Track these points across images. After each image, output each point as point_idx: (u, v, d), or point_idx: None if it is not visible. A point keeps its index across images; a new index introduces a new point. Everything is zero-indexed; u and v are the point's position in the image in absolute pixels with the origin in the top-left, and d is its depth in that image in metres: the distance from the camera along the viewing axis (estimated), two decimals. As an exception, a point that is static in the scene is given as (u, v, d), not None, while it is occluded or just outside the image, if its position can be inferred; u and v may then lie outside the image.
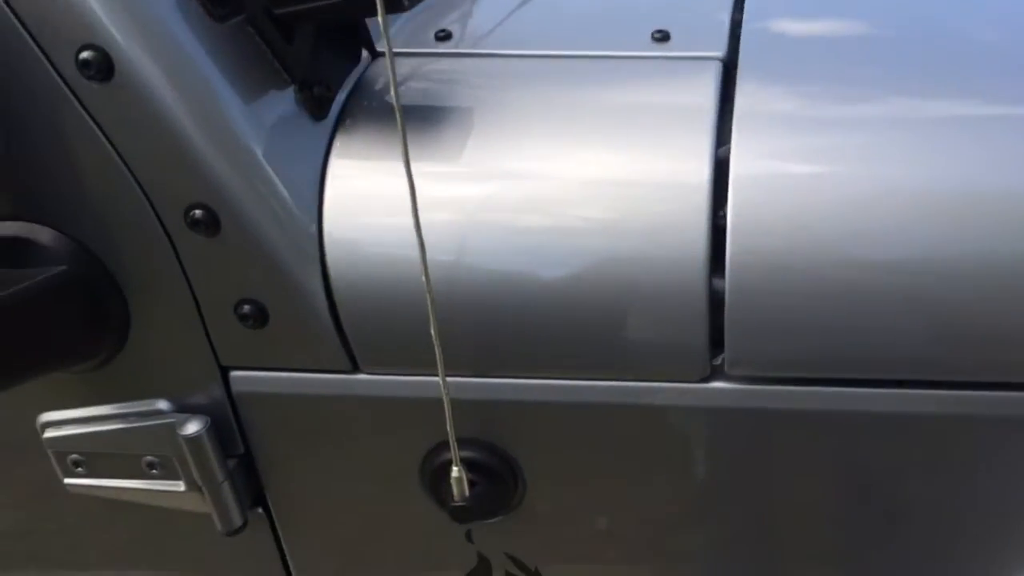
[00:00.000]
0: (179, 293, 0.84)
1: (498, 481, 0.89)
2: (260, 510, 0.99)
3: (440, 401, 0.84)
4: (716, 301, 0.77)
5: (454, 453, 0.84)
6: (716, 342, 0.79)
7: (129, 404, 0.93)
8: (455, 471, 0.85)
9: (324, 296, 0.83)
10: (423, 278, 0.74)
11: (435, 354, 0.78)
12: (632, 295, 0.78)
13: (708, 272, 0.77)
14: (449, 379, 0.82)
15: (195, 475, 0.91)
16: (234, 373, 0.90)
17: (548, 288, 0.79)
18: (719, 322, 0.78)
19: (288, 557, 1.02)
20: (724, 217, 0.77)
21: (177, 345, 0.89)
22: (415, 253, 0.73)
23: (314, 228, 0.81)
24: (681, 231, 0.76)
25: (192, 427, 0.89)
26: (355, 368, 0.87)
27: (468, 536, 0.95)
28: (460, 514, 0.86)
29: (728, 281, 0.76)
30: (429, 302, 0.75)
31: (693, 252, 0.76)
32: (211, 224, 0.79)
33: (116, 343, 0.88)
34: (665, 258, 0.77)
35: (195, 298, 0.85)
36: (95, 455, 0.96)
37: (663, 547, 0.94)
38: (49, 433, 0.95)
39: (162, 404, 0.92)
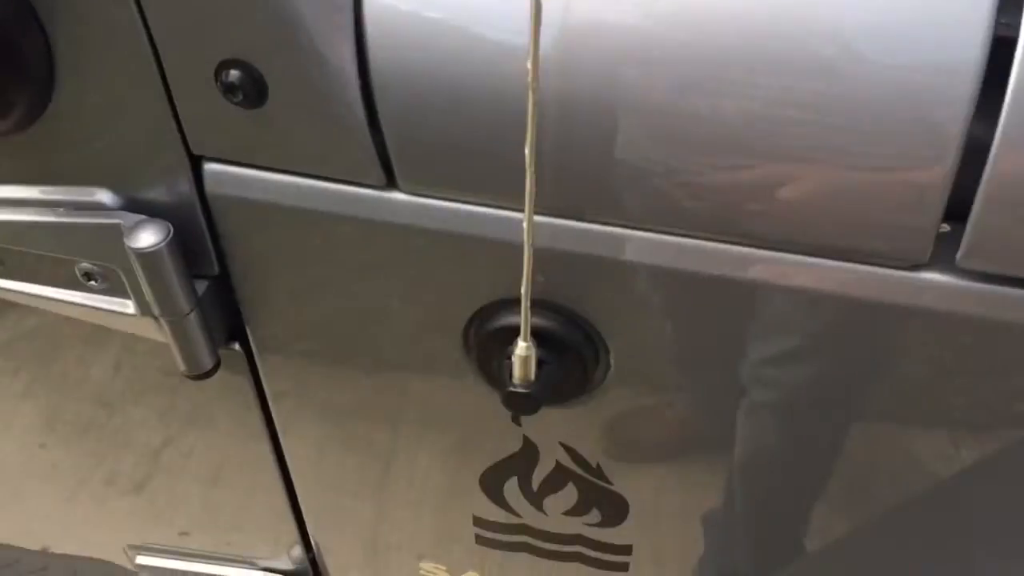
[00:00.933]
0: (129, 34, 0.55)
1: (574, 361, 0.63)
2: (236, 346, 0.74)
3: (506, 244, 0.58)
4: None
5: (525, 320, 0.57)
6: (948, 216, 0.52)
7: (56, 189, 0.65)
8: (522, 346, 0.59)
9: (355, 65, 0.53)
10: (529, 57, 0.45)
11: (512, 174, 0.50)
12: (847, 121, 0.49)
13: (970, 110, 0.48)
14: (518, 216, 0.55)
15: (150, 301, 0.65)
16: (209, 166, 0.61)
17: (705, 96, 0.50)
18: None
19: (272, 409, 0.78)
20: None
21: (127, 116, 0.60)
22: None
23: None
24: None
25: (146, 237, 0.61)
26: (390, 183, 0.58)
27: (515, 417, 0.71)
28: (520, 403, 0.62)
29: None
30: (531, 91, 0.46)
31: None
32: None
33: (35, 96, 0.59)
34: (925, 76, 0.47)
35: (154, 47, 0.55)
36: (9, 251, 0.69)
37: (767, 462, 0.71)
38: (-56, 213, 0.67)
39: (103, 195, 0.64)
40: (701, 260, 0.57)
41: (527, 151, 0.49)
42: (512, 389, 0.61)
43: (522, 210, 0.56)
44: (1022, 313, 0.54)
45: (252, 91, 0.54)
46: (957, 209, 0.51)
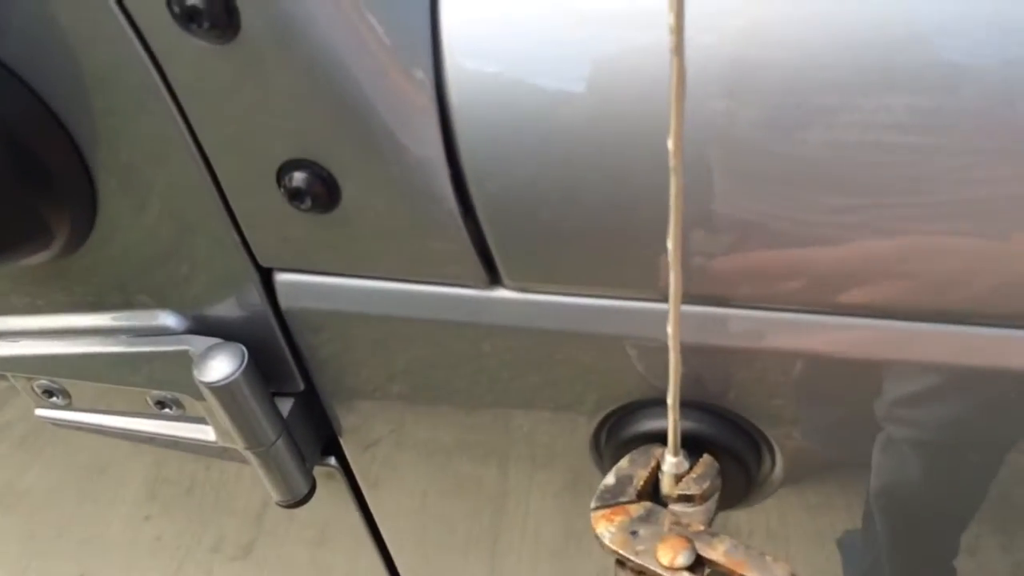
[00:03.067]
0: (172, 144, 0.46)
1: (733, 468, 0.52)
2: (332, 460, 0.65)
3: (636, 339, 0.48)
4: None
5: (673, 429, 0.47)
6: None
7: (118, 314, 0.57)
8: (670, 462, 0.49)
9: (442, 150, 0.43)
10: (670, 132, 0.34)
11: (642, 260, 0.40)
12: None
13: None
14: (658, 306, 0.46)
15: (231, 436, 0.57)
16: (281, 277, 0.52)
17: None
18: None
19: (379, 526, 0.70)
20: None
21: (181, 231, 0.51)
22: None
23: (426, 29, 0.41)
24: None
25: (218, 367, 0.53)
26: (494, 280, 0.49)
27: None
28: (669, 524, 0.51)
29: None
30: (673, 167, 0.36)
31: None
32: (228, 25, 0.39)
33: (76, 221, 0.51)
34: None
35: (203, 155, 0.46)
36: (71, 383, 0.62)
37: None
38: (1, 350, 0.60)
39: (168, 319, 0.56)
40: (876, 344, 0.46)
41: (670, 245, 0.38)
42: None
43: (655, 299, 0.46)
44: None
45: (322, 194, 0.45)
46: None
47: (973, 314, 0.43)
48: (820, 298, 0.45)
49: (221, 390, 0.53)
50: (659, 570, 0.45)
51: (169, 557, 0.95)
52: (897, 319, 0.44)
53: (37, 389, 0.63)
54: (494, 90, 0.42)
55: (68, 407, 0.63)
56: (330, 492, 0.67)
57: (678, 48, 0.32)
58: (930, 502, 0.59)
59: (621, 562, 0.47)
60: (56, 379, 0.61)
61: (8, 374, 0.62)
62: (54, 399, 0.63)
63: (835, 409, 0.51)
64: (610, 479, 0.50)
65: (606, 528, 0.48)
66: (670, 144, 0.35)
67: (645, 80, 0.39)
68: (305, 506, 0.77)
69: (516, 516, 0.67)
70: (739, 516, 0.59)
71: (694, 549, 0.46)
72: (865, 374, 0.47)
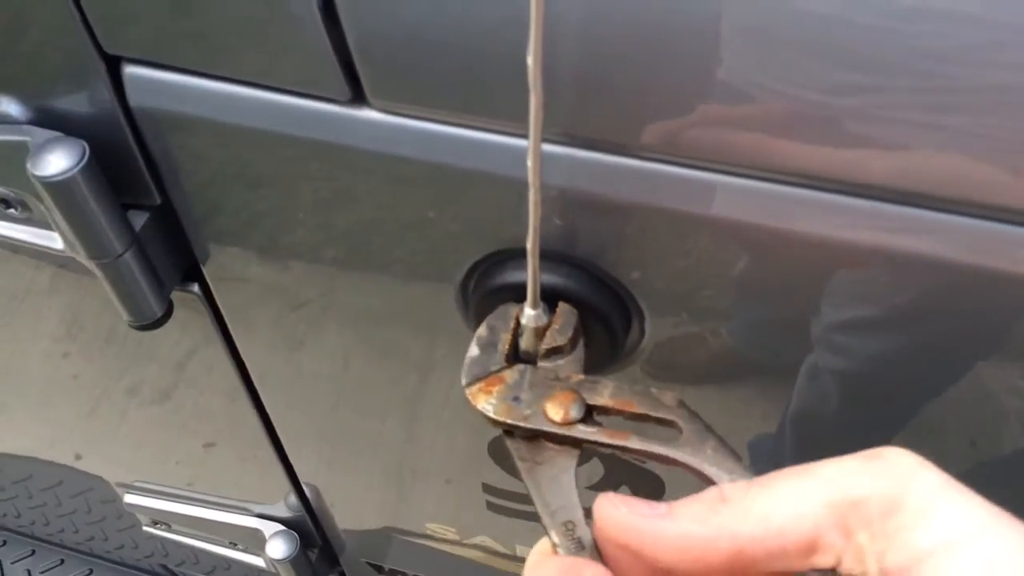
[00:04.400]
0: None
1: (598, 327, 0.49)
2: (196, 288, 0.61)
3: (510, 180, 0.44)
4: None
5: (533, 280, 0.43)
6: None
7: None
8: (529, 315, 0.45)
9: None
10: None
11: (519, 88, 0.36)
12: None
13: None
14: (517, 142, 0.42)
15: (71, 243, 0.52)
16: (130, 69, 0.47)
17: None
18: None
19: (245, 360, 0.66)
20: None
21: (26, 4, 0.46)
22: None
23: None
24: None
25: (55, 161, 0.48)
26: (357, 98, 0.44)
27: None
28: (525, 381, 0.48)
29: None
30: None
31: None
32: None
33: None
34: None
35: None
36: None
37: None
38: None
39: (9, 105, 0.51)
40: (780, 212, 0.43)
41: (530, 61, 0.34)
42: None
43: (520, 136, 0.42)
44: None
45: (169, -32, 0.40)
46: None
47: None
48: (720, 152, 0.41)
49: (56, 186, 0.48)
50: (553, 429, 0.43)
51: (85, 397, 0.92)
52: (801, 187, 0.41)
53: None
54: None
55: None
56: (192, 322, 0.63)
57: None
58: (847, 432, 0.57)
59: (509, 432, 0.44)
60: None
61: None
62: None
63: (715, 279, 0.48)
64: (473, 350, 0.47)
65: (486, 401, 0.45)
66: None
67: None
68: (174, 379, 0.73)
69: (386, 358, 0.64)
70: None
71: (583, 400, 0.43)
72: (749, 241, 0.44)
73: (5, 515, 1.29)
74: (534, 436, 0.43)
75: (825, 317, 0.48)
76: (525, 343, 0.47)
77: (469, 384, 0.46)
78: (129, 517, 1.03)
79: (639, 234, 0.45)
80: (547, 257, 0.43)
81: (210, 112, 0.47)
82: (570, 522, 0.40)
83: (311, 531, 0.91)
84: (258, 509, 0.92)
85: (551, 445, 0.43)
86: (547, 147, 0.41)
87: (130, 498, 0.96)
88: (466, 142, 0.44)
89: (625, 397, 0.43)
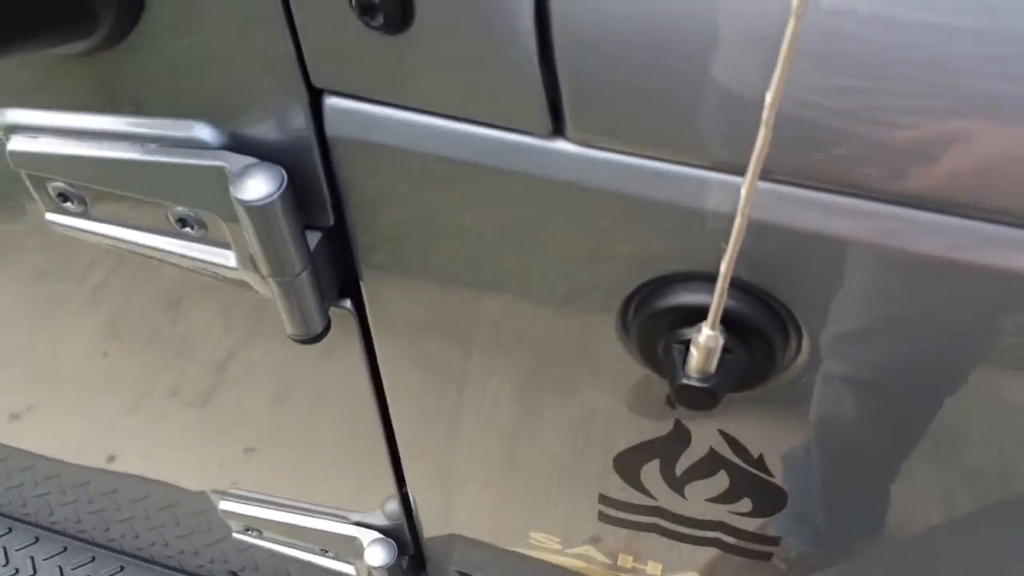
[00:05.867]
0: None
1: (762, 348, 0.52)
2: (348, 304, 0.64)
3: (685, 210, 0.48)
4: None
5: (716, 307, 0.47)
6: None
7: (150, 121, 0.55)
8: (707, 335, 0.48)
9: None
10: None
11: (719, 124, 0.39)
12: None
13: None
14: (718, 177, 0.45)
15: (257, 259, 0.55)
16: (331, 101, 0.50)
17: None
18: None
19: (382, 372, 0.69)
20: None
21: (235, 35, 0.49)
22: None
23: None
24: None
25: (257, 187, 0.51)
26: (557, 130, 0.47)
27: (670, 400, 0.61)
28: (695, 398, 0.51)
29: None
30: (792, 17, 0.34)
31: None
32: None
33: (124, 7, 0.48)
34: None
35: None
36: (91, 189, 0.60)
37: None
38: (17, 144, 0.58)
39: (203, 131, 0.54)
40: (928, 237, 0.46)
41: (768, 97, 0.37)
42: (686, 382, 0.51)
43: (715, 170, 0.45)
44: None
45: (396, 12, 0.43)
46: None
47: None
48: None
49: (257, 210, 0.51)
50: None
51: (124, 398, 0.94)
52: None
53: (52, 192, 0.60)
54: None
55: (83, 215, 0.61)
56: (341, 334, 0.66)
57: None
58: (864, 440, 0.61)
59: None
60: (75, 183, 0.59)
61: (25, 172, 0.59)
62: (68, 204, 0.61)
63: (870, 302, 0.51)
64: None
65: None
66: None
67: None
68: (305, 392, 0.76)
69: (522, 382, 0.67)
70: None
71: None
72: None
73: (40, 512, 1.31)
74: None
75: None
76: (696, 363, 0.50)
77: None
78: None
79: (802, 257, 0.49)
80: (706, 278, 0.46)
81: (404, 141, 0.50)
82: None
83: (406, 539, 0.94)
84: (355, 517, 0.94)
85: None
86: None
87: (226, 504, 0.99)
88: (651, 172, 0.47)
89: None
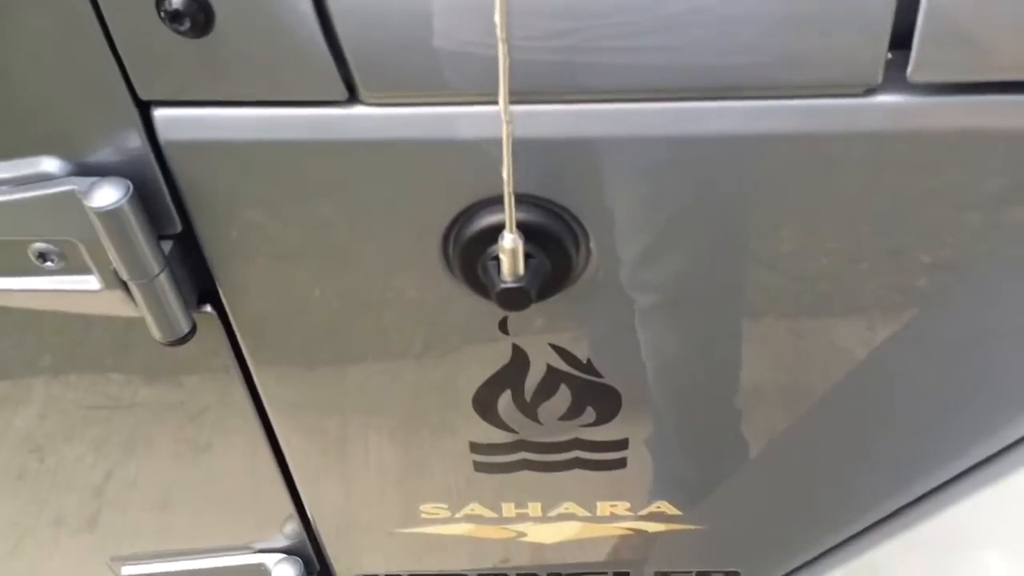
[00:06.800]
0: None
1: (557, 250, 0.64)
2: (208, 308, 0.72)
3: (474, 143, 0.59)
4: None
5: (509, 212, 0.58)
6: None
7: (-4, 165, 0.62)
8: (508, 239, 0.60)
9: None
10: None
11: (475, 64, 0.51)
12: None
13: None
14: (490, 109, 0.56)
15: (117, 266, 0.63)
16: (160, 112, 0.59)
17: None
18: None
19: (251, 365, 0.77)
20: None
21: (64, 66, 0.57)
22: None
23: None
24: None
25: (106, 195, 0.59)
26: (352, 97, 0.58)
27: (502, 325, 0.72)
28: (513, 298, 0.62)
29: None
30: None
31: None
32: None
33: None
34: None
35: (87, -13, 0.53)
36: (-51, 245, 0.65)
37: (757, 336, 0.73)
38: None
39: (48, 164, 0.62)
40: (658, 122, 0.59)
41: (497, 19, 0.49)
42: (504, 286, 0.62)
43: (486, 102, 0.57)
44: (976, 119, 0.58)
45: (199, 16, 0.53)
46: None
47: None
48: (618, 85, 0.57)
49: (110, 215, 0.59)
50: None
51: (3, 536, 0.97)
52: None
53: (-89, 258, 0.66)
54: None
55: (-57, 273, 0.67)
56: (207, 339, 0.73)
57: None
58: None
59: None
60: (-67, 241, 0.65)
61: None
62: (-73, 266, 0.66)
63: (634, 196, 0.63)
64: None
65: None
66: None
67: None
68: (178, 417, 0.83)
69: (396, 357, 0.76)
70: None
71: None
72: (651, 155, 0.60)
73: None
74: None
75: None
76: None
77: None
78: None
79: (577, 166, 0.61)
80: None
81: (229, 134, 0.60)
82: None
83: (310, 554, 0.99)
84: (258, 545, 0.99)
85: None
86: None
87: (127, 570, 1.01)
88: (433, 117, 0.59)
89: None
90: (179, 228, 0.65)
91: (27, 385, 0.81)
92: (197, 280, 0.69)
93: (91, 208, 0.59)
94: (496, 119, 0.56)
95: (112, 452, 0.88)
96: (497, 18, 0.49)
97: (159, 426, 0.84)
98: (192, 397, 0.81)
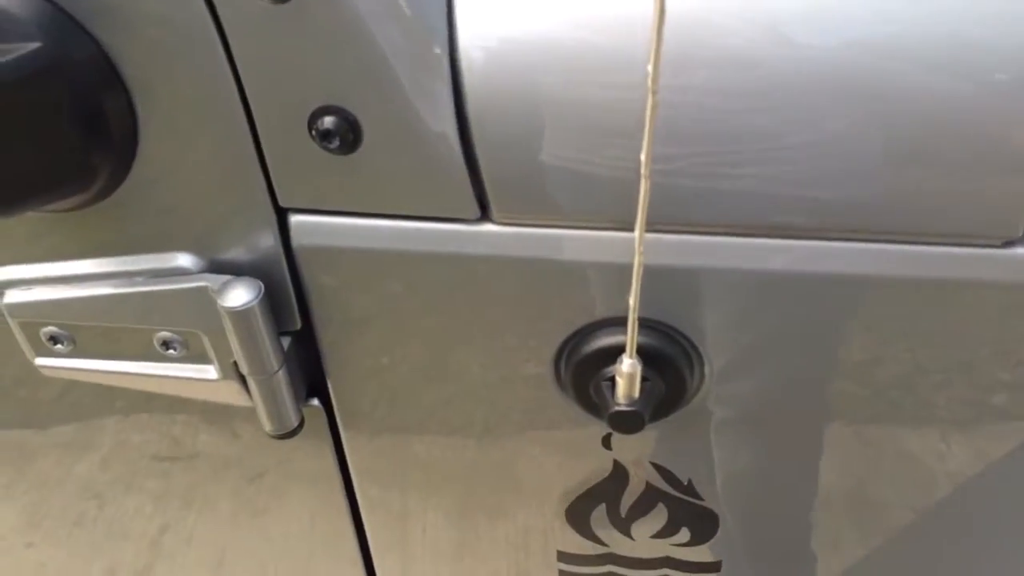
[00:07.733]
0: (220, 91, 0.55)
1: (674, 375, 0.64)
2: (316, 402, 0.73)
3: (596, 266, 0.60)
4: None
5: (631, 338, 0.58)
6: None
7: (135, 258, 0.64)
8: (628, 363, 0.59)
9: (451, 100, 0.54)
10: (650, 60, 0.46)
11: (607, 192, 0.52)
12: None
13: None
14: (618, 235, 0.57)
15: (239, 360, 0.64)
16: (296, 218, 0.61)
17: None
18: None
19: (350, 464, 0.77)
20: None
21: (213, 174, 0.59)
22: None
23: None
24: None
25: (239, 295, 0.61)
26: (484, 215, 0.59)
27: (606, 441, 0.71)
28: (626, 422, 0.62)
29: None
30: (650, 107, 0.47)
31: None
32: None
33: (119, 160, 0.58)
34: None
35: (244, 101, 0.55)
36: (81, 328, 0.68)
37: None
38: (11, 297, 0.66)
39: (184, 260, 0.64)
40: (783, 259, 0.59)
41: (643, 156, 0.50)
42: (618, 408, 0.61)
43: (614, 228, 0.57)
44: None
45: (347, 136, 0.55)
46: None
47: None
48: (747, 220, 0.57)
49: (240, 315, 0.60)
50: None
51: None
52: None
53: (43, 336, 0.68)
54: (495, 50, 0.53)
55: (71, 354, 0.69)
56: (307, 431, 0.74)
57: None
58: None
59: None
60: (65, 323, 0.67)
61: (15, 321, 0.67)
62: (59, 346, 0.69)
63: (754, 326, 0.63)
64: None
65: None
66: (650, 67, 0.46)
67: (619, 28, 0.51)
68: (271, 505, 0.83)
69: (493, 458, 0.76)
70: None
71: None
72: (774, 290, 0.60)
73: None
74: None
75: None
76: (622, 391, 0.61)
77: None
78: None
79: (698, 294, 0.61)
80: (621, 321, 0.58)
81: (357, 242, 0.61)
82: None
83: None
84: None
85: None
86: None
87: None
88: (561, 239, 0.60)
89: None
90: (299, 326, 0.67)
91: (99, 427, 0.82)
92: (307, 374, 0.70)
93: (223, 307, 0.60)
94: (621, 245, 0.56)
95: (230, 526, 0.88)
96: (643, 156, 0.50)
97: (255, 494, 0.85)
98: (280, 465, 0.81)
